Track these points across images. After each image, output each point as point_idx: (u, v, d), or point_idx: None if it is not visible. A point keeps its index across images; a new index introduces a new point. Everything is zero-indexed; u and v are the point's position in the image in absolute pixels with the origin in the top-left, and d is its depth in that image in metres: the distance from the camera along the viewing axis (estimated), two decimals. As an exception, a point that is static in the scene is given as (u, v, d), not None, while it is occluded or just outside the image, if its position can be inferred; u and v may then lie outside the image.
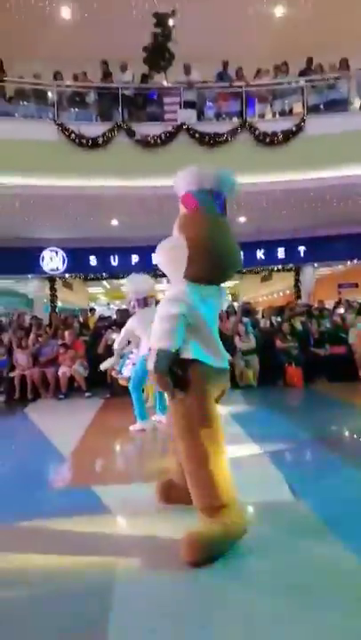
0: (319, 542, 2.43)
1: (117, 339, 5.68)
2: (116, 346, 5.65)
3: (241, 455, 3.95)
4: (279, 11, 10.86)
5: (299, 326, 8.97)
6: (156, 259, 2.58)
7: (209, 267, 2.49)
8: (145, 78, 10.10)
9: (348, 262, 13.08)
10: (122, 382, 6.21)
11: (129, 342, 5.53)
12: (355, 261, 12.87)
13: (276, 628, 1.82)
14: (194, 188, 2.57)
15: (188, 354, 2.43)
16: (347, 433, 4.89)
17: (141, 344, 5.11)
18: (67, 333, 8.25)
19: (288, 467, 3.67)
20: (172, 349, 2.37)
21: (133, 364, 5.93)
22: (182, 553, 2.25)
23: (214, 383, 2.51)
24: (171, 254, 2.52)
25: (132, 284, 5.37)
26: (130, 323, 5.31)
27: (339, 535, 2.47)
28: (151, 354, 2.43)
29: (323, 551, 2.34)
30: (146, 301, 5.31)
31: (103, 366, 5.94)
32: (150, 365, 2.41)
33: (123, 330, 5.45)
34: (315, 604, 1.94)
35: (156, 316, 2.47)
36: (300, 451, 4.23)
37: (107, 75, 10.11)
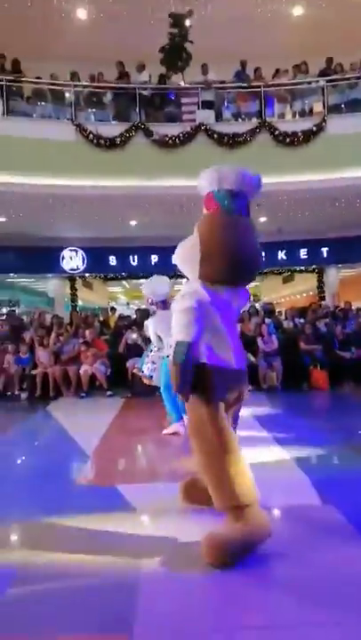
0: (347, 546, 2.34)
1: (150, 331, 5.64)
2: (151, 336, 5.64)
3: (266, 458, 3.86)
4: (298, 10, 10.76)
5: (323, 328, 8.83)
6: (175, 258, 2.57)
7: (222, 267, 2.42)
8: (162, 79, 10.09)
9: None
10: (145, 381, 6.19)
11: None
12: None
13: (299, 633, 1.74)
14: (215, 187, 2.52)
15: (200, 357, 2.39)
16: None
17: (166, 344, 5.04)
18: (88, 332, 8.27)
19: (315, 471, 3.55)
20: (190, 340, 2.34)
21: (153, 362, 5.90)
22: (203, 554, 2.20)
23: (228, 385, 2.44)
24: (187, 253, 2.51)
25: (150, 287, 5.31)
26: (151, 324, 5.24)
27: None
28: (171, 348, 2.43)
29: (351, 555, 2.25)
30: (165, 303, 5.25)
31: (130, 364, 5.88)
32: (170, 359, 2.41)
33: (147, 324, 5.43)
34: (340, 610, 1.85)
35: (176, 310, 2.44)
36: (327, 455, 4.10)
37: (123, 75, 10.13)
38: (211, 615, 1.87)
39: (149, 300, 5.38)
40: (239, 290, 2.59)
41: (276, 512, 2.84)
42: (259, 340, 7.97)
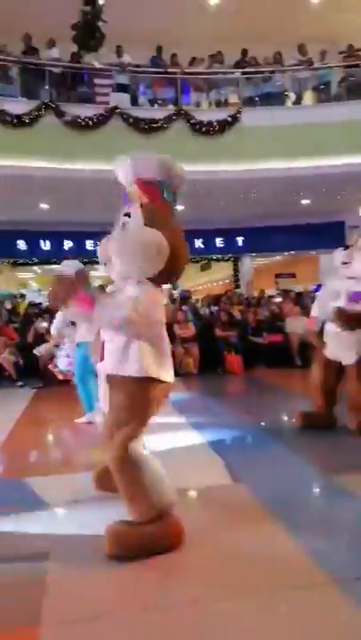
0: (257, 526, 2.37)
1: (53, 324, 5.36)
2: (52, 332, 5.35)
3: (181, 442, 3.87)
4: (214, -1, 10.81)
5: (237, 315, 9.04)
6: (109, 251, 2.28)
7: (165, 263, 2.26)
8: (74, 57, 9.69)
9: (286, 253, 13.40)
10: (60, 376, 5.95)
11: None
12: (292, 252, 13.21)
13: (212, 617, 1.71)
14: (161, 178, 2.35)
15: (130, 369, 2.22)
16: (285, 417, 4.92)
17: (78, 331, 4.82)
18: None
19: (228, 452, 3.59)
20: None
21: (68, 356, 5.68)
22: (106, 544, 2.12)
23: (159, 398, 2.31)
24: (126, 246, 2.23)
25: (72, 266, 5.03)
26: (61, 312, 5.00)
27: (277, 518, 2.41)
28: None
29: (260, 534, 2.28)
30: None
31: (38, 350, 5.61)
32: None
33: (58, 315, 5.15)
34: (253, 590, 1.86)
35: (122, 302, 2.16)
36: (240, 437, 4.18)
37: (30, 50, 9.59)
38: (119, 600, 1.82)
39: None
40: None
41: (189, 492, 2.84)
42: (175, 327, 7.98)
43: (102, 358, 2.32)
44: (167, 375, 2.29)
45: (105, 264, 2.37)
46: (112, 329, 2.17)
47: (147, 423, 2.28)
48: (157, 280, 2.29)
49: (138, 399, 2.22)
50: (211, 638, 1.59)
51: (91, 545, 2.21)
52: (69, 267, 5.14)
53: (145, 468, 2.19)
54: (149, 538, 2.11)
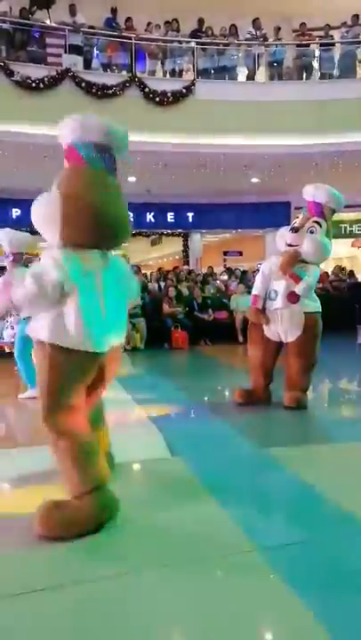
0: (192, 499, 2.46)
1: None
2: None
3: (123, 418, 3.93)
4: (172, -37, 10.46)
5: (185, 291, 9.13)
6: (32, 217, 2.26)
7: (87, 229, 2.21)
8: (24, 13, 9.18)
9: (234, 231, 13.54)
10: (6, 349, 5.85)
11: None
12: (239, 230, 13.36)
13: (136, 588, 1.77)
14: (78, 140, 2.29)
15: (42, 336, 2.17)
16: (226, 394, 5.10)
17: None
18: None
19: (169, 427, 3.68)
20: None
21: (12, 328, 5.58)
22: (35, 523, 2.05)
23: (83, 369, 2.21)
24: (45, 212, 2.20)
25: (7, 236, 4.87)
26: (3, 279, 4.89)
27: (211, 491, 2.51)
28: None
29: (194, 508, 2.36)
30: (22, 258, 4.89)
31: None
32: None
33: None
34: (182, 561, 1.93)
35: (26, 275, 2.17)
36: (182, 412, 4.30)
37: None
38: (41, 578, 1.83)
39: (8, 258, 4.97)
40: (110, 255, 2.38)
41: (127, 466, 2.89)
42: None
43: None
44: (81, 344, 2.16)
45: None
46: (23, 307, 2.18)
47: (63, 395, 2.17)
48: (84, 244, 2.24)
49: (46, 366, 2.16)
50: (134, 609, 1.65)
51: (21, 524, 2.16)
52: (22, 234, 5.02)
53: (73, 442, 2.14)
54: (77, 513, 2.06)
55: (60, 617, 1.61)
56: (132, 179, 10.35)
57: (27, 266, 4.77)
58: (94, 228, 2.22)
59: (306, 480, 2.62)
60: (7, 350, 5.92)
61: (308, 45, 10.27)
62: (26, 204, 8.72)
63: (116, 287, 2.33)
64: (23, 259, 4.88)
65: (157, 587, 1.77)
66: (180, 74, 9.83)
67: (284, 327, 4.13)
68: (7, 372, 5.95)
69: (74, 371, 2.19)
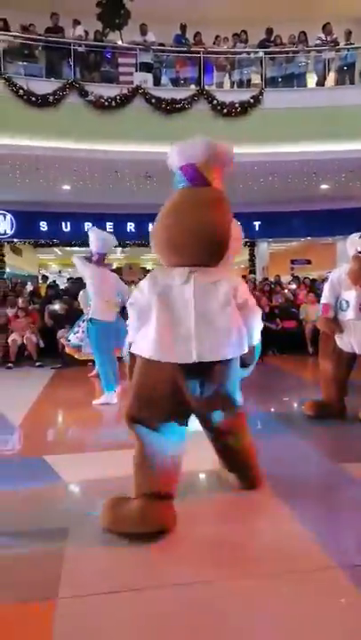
0: (263, 510, 2.46)
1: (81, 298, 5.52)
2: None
3: (192, 427, 3.93)
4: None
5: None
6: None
7: (167, 246, 2.40)
8: (98, 36, 9.63)
9: (302, 239, 13.31)
10: (68, 350, 6.12)
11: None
12: (308, 238, 13.12)
13: (222, 597, 1.81)
14: (185, 162, 2.48)
15: (134, 347, 2.40)
16: (295, 405, 5.01)
17: (92, 305, 4.93)
18: (21, 300, 7.98)
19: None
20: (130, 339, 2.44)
21: (82, 331, 5.84)
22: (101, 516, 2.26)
23: (162, 377, 2.27)
24: (151, 240, 2.49)
25: (97, 235, 5.01)
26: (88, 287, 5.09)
27: (282, 503, 2.50)
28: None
29: (266, 519, 2.37)
30: (103, 260, 5.08)
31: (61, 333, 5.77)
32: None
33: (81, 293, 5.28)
34: (256, 573, 1.96)
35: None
36: (250, 422, 4.21)
37: (57, 29, 9.55)
38: (132, 574, 1.93)
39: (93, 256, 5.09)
40: (203, 269, 2.35)
41: (195, 475, 2.95)
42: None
43: None
44: (159, 354, 2.23)
45: None
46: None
47: (141, 400, 2.30)
48: (186, 263, 2.34)
49: (136, 374, 2.36)
50: (217, 617, 1.71)
51: None
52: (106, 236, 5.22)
53: (146, 445, 2.27)
54: (128, 512, 2.18)
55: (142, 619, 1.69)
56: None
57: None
58: (168, 244, 2.38)
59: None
60: (70, 352, 6.15)
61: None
62: (99, 219, 9.14)
63: (204, 300, 2.30)
64: (105, 262, 5.08)
65: (236, 600, 1.80)
66: (248, 83, 9.86)
67: (357, 339, 4.01)
68: (82, 379, 6.24)
69: (158, 380, 2.28)
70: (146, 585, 1.88)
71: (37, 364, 7.30)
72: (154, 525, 2.17)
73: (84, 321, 5.98)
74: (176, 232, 2.33)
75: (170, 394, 2.27)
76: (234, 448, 2.56)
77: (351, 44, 10.04)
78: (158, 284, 2.32)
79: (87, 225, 11.59)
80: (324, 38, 10.05)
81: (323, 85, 9.80)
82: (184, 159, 2.45)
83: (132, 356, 2.41)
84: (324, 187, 11.00)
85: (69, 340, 6.10)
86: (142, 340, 2.31)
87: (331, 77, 9.90)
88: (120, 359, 4.62)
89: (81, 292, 6.46)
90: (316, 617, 1.70)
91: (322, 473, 3.00)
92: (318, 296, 8.83)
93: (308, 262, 14.08)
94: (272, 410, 4.78)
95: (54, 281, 11.57)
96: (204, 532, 2.28)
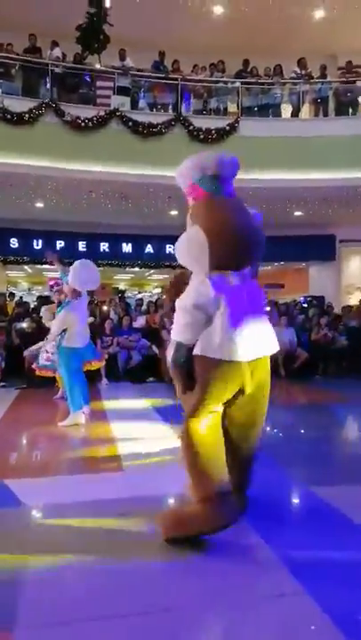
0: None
1: (53, 328, 5.13)
2: (53, 331, 5.12)
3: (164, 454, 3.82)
4: (218, 9, 10.88)
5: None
6: (178, 253, 2.46)
7: (232, 252, 2.38)
8: (77, 58, 9.72)
9: (275, 263, 13.48)
10: (40, 373, 5.95)
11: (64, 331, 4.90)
12: (281, 263, 13.29)
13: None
14: (196, 176, 2.50)
15: (195, 350, 2.32)
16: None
17: (70, 334, 4.81)
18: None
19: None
20: (187, 343, 2.31)
21: (47, 351, 5.76)
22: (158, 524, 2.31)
23: (225, 378, 2.32)
24: (184, 248, 2.40)
25: (83, 273, 4.77)
26: (68, 314, 4.86)
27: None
28: (170, 346, 2.39)
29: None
30: (80, 292, 4.94)
31: (28, 351, 5.59)
32: (168, 358, 2.38)
33: (58, 318, 5.02)
34: None
35: (177, 307, 2.34)
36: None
37: (35, 49, 9.60)
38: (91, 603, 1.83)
39: (61, 287, 5.10)
40: (244, 272, 2.46)
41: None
42: (163, 332, 7.97)
43: None
44: (224, 354, 2.29)
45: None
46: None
47: (207, 403, 2.31)
48: (222, 268, 2.36)
49: (198, 377, 2.32)
50: None
51: (68, 548, 2.24)
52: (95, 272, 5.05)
53: (202, 448, 2.27)
54: (191, 517, 2.24)
55: None
56: (174, 212, 10.53)
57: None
58: (236, 249, 2.39)
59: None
60: (42, 374, 5.98)
61: (353, 82, 10.33)
62: (70, 237, 9.06)
63: (253, 301, 2.45)
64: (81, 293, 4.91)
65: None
66: (225, 112, 10.06)
67: None
68: (47, 399, 6.04)
69: (219, 380, 2.31)
70: (109, 613, 1.78)
71: (1, 384, 7.02)
72: (218, 527, 2.20)
73: (45, 339, 5.87)
74: (230, 237, 2.37)
75: (236, 391, 2.37)
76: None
77: (325, 76, 10.40)
78: (221, 286, 2.34)
79: (59, 243, 11.50)
80: (299, 72, 10.40)
81: (297, 116, 10.08)
82: (221, 170, 2.50)
83: (191, 359, 2.33)
84: (297, 213, 11.21)
85: (38, 363, 5.93)
86: (211, 342, 2.30)
87: (305, 109, 10.20)
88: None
89: (43, 309, 6.35)
90: None
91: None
92: (291, 319, 8.93)
93: (282, 286, 14.24)
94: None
95: (21, 297, 11.29)
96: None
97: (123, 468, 3.48)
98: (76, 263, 4.82)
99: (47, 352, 5.78)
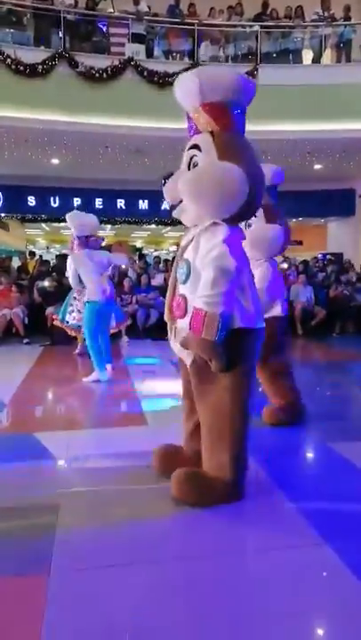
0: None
1: (71, 280, 5.47)
2: (72, 283, 5.51)
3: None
4: None
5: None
6: (192, 189, 2.00)
7: (256, 205, 2.10)
8: (90, 4, 9.30)
9: (294, 219, 13.22)
10: (71, 333, 6.08)
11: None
12: (300, 219, 13.03)
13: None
14: (232, 96, 2.03)
15: (235, 322, 2.08)
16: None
17: (88, 288, 4.87)
18: (3, 277, 7.82)
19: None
20: (221, 312, 1.98)
21: (79, 311, 5.79)
22: (172, 487, 2.23)
23: (255, 347, 2.23)
24: (222, 186, 1.96)
25: (76, 219, 5.05)
26: (71, 264, 5.13)
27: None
28: (207, 321, 1.98)
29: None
30: (88, 241, 5.05)
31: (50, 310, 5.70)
32: (206, 334, 1.99)
33: (70, 273, 5.28)
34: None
35: (208, 270, 2.00)
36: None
37: (45, -5, 9.20)
38: (126, 551, 1.92)
39: (73, 241, 5.18)
40: None
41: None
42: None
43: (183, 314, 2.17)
44: (257, 322, 2.17)
45: (172, 207, 2.19)
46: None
47: (245, 374, 2.18)
48: (232, 219, 2.07)
49: (232, 350, 2.09)
50: (219, 591, 1.73)
51: (99, 499, 2.33)
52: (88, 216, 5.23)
53: (233, 423, 2.17)
54: (213, 489, 2.18)
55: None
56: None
57: (99, 248, 5.00)
58: (248, 199, 2.02)
59: None
60: (72, 334, 6.13)
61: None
62: (87, 194, 8.97)
63: None
64: (89, 241, 5.05)
65: (239, 574, 1.80)
66: (243, 58, 9.63)
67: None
68: (71, 356, 6.20)
69: (254, 350, 2.22)
70: (141, 559, 1.87)
71: (25, 341, 7.20)
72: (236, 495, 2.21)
73: (75, 299, 5.93)
74: (262, 188, 2.11)
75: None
76: None
77: (349, 18, 9.83)
78: (241, 247, 2.11)
79: (76, 201, 11.40)
80: (321, 13, 9.84)
81: (319, 62, 9.62)
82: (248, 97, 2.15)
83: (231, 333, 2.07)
84: (317, 167, 10.90)
85: (67, 322, 6.03)
86: (249, 310, 2.13)
87: (327, 54, 9.71)
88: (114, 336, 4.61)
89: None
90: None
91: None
92: (309, 277, 8.88)
93: (300, 243, 14.02)
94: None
95: (41, 256, 11.36)
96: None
97: (147, 422, 3.61)
98: (67, 215, 5.18)
99: (80, 312, 5.81)
